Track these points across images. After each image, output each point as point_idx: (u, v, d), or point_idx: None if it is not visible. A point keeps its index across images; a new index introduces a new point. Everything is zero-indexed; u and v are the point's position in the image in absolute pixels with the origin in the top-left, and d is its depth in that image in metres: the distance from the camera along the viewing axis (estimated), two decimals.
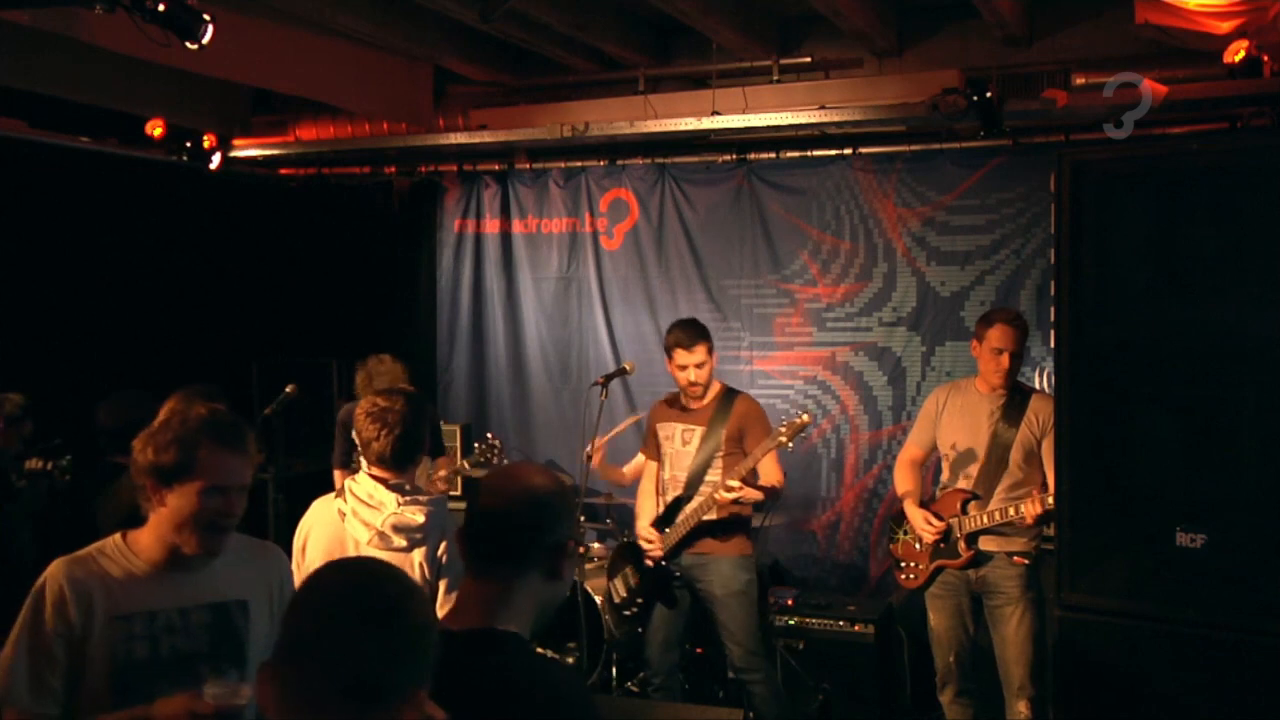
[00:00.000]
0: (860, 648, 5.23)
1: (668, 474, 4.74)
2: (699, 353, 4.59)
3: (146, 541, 2.37)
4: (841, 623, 5.29)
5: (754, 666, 4.59)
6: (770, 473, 4.52)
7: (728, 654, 4.65)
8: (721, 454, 4.60)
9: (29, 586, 2.37)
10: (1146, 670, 2.73)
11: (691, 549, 4.62)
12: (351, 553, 3.00)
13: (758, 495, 4.45)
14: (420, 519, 3.02)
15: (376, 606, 1.48)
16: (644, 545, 4.71)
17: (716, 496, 4.42)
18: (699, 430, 4.66)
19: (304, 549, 3.15)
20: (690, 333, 4.62)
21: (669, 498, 4.71)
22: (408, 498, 3.05)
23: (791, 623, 5.32)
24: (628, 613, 4.83)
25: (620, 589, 4.88)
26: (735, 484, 4.35)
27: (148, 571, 2.35)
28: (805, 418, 4.37)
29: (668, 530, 4.65)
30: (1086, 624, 2.81)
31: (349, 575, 1.56)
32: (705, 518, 4.53)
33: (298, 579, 2.99)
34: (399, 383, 5.45)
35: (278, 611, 2.51)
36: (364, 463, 3.19)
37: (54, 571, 2.33)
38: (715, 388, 4.71)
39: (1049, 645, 4.23)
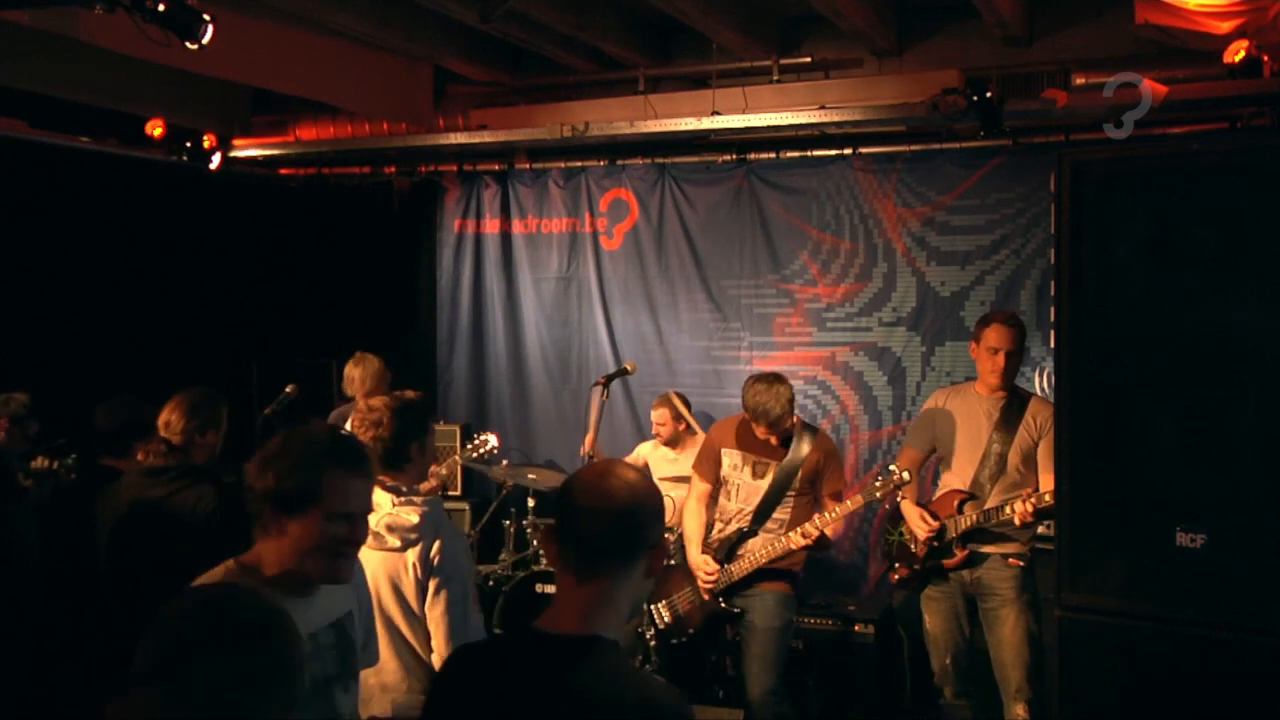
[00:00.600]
0: (860, 648, 5.23)
1: (733, 505, 4.52)
2: (788, 423, 4.41)
3: (269, 570, 2.22)
4: (841, 623, 5.29)
5: (768, 704, 4.45)
6: (835, 526, 4.40)
7: (747, 681, 4.51)
8: (794, 493, 4.44)
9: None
10: (1146, 670, 2.73)
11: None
12: None
13: (827, 547, 4.42)
14: (414, 519, 3.02)
15: (238, 629, 1.44)
16: (703, 577, 4.50)
17: (793, 541, 4.31)
18: (774, 465, 4.45)
19: None
20: (777, 407, 4.31)
21: (732, 528, 4.52)
22: (402, 498, 3.05)
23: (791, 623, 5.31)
24: (674, 641, 4.66)
25: (666, 613, 4.69)
26: (814, 530, 4.26)
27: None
28: (906, 476, 4.22)
29: (729, 566, 4.46)
30: (1086, 624, 2.80)
31: (210, 597, 1.51)
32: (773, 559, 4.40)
33: None
34: (378, 379, 5.44)
35: (364, 614, 2.51)
36: None
37: None
38: (794, 421, 4.49)
39: (1046, 646, 4.24)
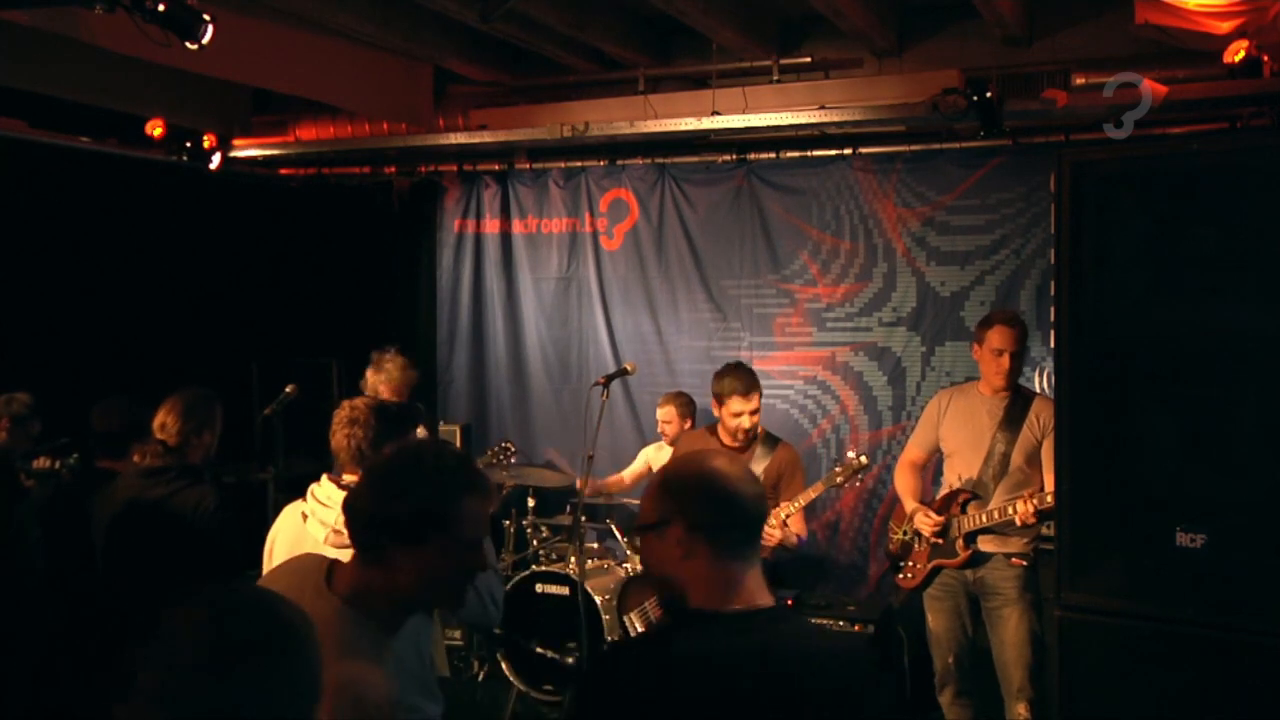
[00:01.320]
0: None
1: None
2: (754, 400, 4.55)
3: (379, 603, 2.04)
4: (841, 623, 5.28)
5: None
6: (796, 524, 4.52)
7: None
8: None
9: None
10: (1146, 670, 2.73)
11: None
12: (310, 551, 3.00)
13: (792, 540, 4.46)
14: None
15: (235, 642, 1.43)
16: None
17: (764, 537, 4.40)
18: None
19: (270, 554, 3.16)
20: (747, 381, 4.57)
21: None
22: None
23: None
24: None
25: (639, 622, 4.73)
26: (774, 523, 4.35)
27: (379, 631, 2.08)
28: (864, 460, 4.42)
29: None
30: (1086, 624, 2.80)
31: (211, 608, 1.48)
32: None
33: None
34: (400, 376, 5.41)
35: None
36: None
37: None
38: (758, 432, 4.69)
39: (1048, 646, 4.24)
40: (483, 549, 2.13)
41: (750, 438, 4.61)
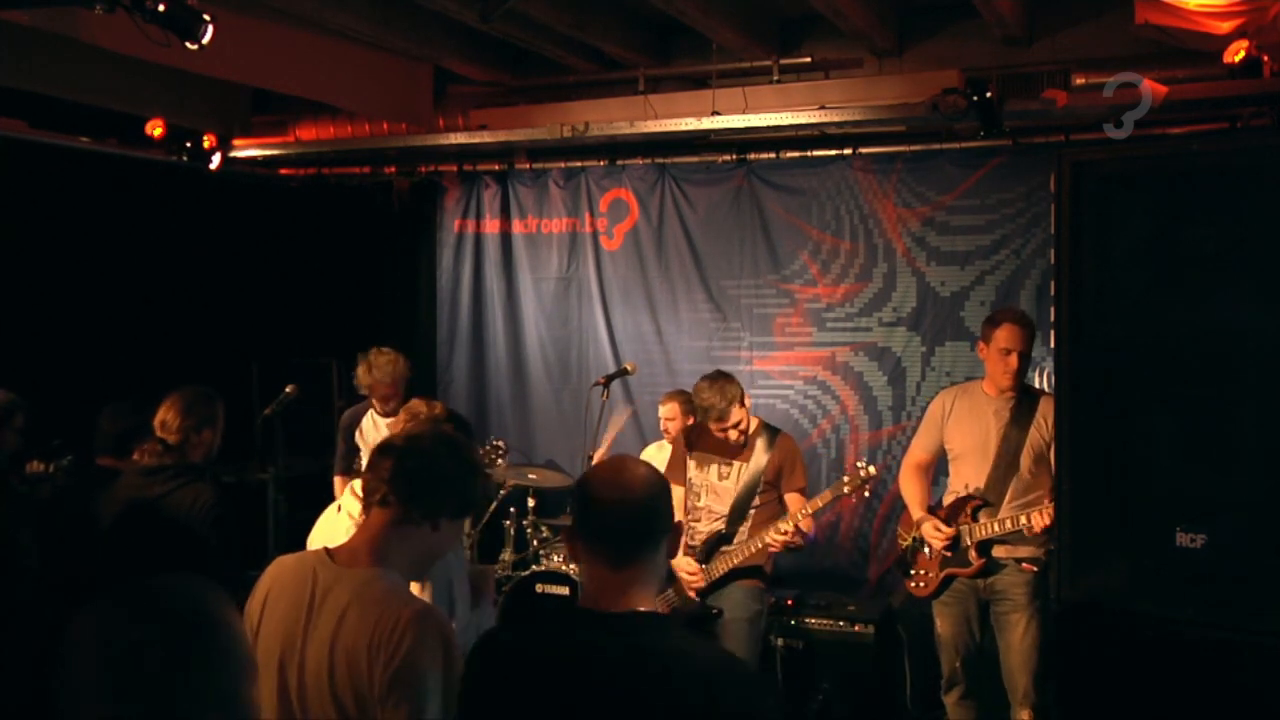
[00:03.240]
0: (860, 648, 5.23)
1: (703, 504, 4.68)
2: (731, 417, 4.47)
3: (400, 560, 2.31)
4: (841, 623, 5.29)
5: None
6: (805, 524, 4.50)
7: None
8: (761, 492, 4.57)
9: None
10: (1146, 670, 2.73)
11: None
12: None
13: (799, 541, 4.45)
14: None
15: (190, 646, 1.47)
16: (686, 578, 4.61)
17: (770, 539, 4.39)
18: (739, 465, 4.61)
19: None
20: (721, 408, 4.43)
21: (704, 530, 4.65)
22: None
23: (791, 623, 5.32)
24: None
25: None
26: (790, 527, 4.35)
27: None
28: (872, 470, 4.39)
29: (707, 565, 4.58)
30: (1086, 624, 2.80)
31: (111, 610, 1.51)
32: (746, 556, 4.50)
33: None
34: (391, 370, 5.39)
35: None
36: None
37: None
38: (754, 423, 4.66)
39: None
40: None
41: (743, 438, 4.60)
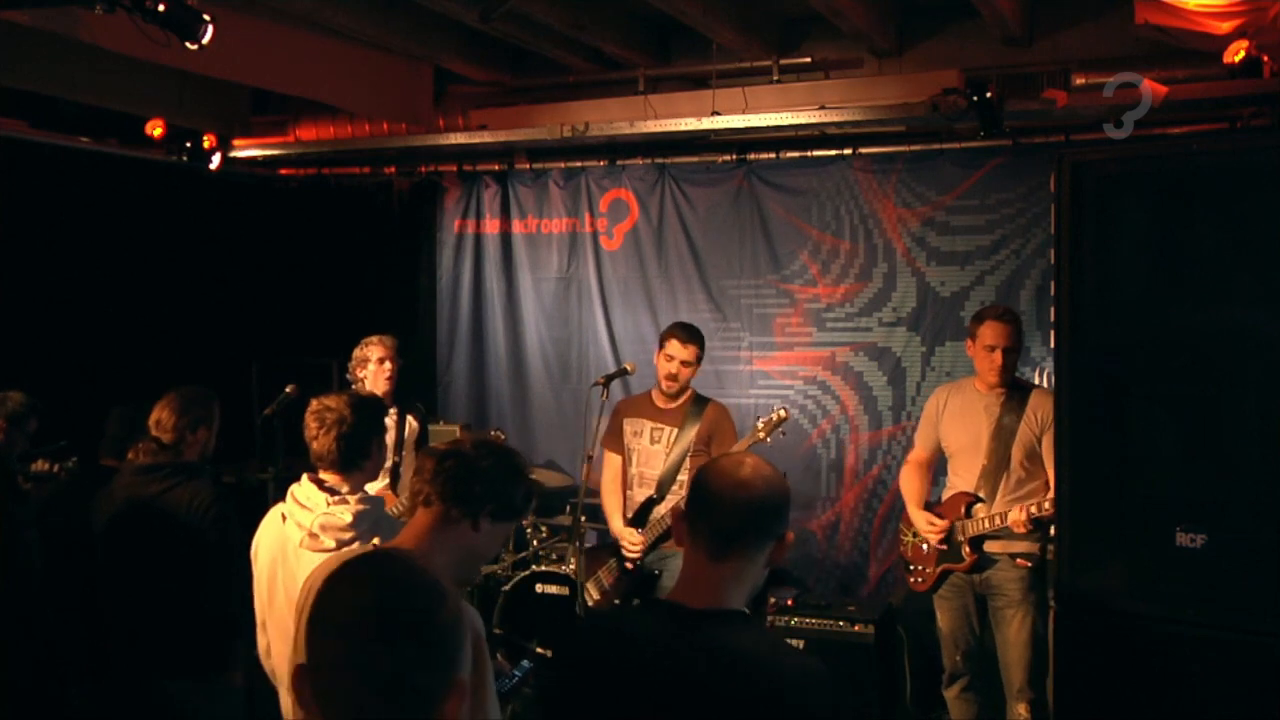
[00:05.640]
0: (860, 648, 5.22)
1: (635, 470, 4.87)
2: (689, 351, 4.73)
3: (439, 567, 2.29)
4: (841, 623, 5.29)
5: None
6: None
7: None
8: (691, 455, 4.71)
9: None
10: (1146, 670, 2.73)
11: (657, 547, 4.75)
12: (290, 554, 3.00)
13: None
14: (347, 518, 2.99)
15: (401, 620, 1.46)
16: (628, 547, 4.77)
17: None
18: (669, 430, 4.80)
19: (255, 557, 3.16)
20: (689, 330, 4.79)
21: (639, 496, 4.83)
22: (336, 498, 3.04)
23: (791, 623, 5.32)
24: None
25: (594, 591, 4.89)
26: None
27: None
28: (782, 413, 4.57)
29: (642, 530, 4.75)
30: (1086, 624, 2.80)
31: (369, 588, 1.52)
32: None
33: (255, 586, 3.08)
34: (383, 353, 5.43)
35: None
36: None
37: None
38: (688, 393, 4.85)
39: (1050, 647, 4.24)
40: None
41: (679, 389, 4.77)
